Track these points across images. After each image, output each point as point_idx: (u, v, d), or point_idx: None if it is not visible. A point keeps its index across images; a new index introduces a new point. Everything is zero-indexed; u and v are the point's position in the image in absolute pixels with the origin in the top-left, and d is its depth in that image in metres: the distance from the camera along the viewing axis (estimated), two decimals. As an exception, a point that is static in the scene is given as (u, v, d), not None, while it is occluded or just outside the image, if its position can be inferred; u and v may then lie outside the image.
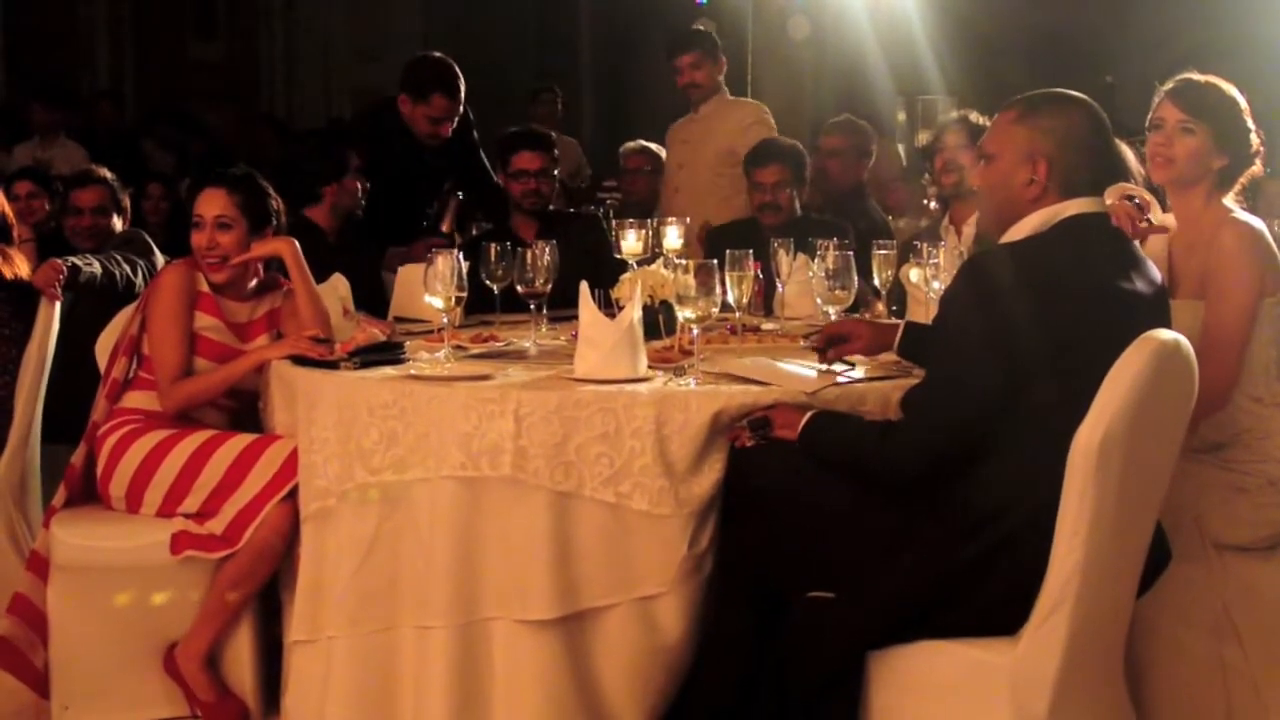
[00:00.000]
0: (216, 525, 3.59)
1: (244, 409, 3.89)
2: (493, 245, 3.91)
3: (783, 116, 9.22)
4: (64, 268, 4.37)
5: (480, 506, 3.11)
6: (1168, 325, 2.76)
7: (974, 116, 4.99)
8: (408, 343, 3.70)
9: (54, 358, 4.33)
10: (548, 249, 3.84)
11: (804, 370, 3.31)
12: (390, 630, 3.21)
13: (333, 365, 3.45)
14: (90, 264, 4.58)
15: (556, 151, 5.16)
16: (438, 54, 5.49)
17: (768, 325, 4.21)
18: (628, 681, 3.14)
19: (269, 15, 13.67)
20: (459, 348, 3.66)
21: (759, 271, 3.79)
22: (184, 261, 3.88)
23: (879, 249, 3.86)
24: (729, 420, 3.08)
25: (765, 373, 3.25)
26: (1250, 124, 3.38)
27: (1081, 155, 2.86)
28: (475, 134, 5.74)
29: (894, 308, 4.27)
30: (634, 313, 3.29)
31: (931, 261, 3.70)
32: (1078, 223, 2.84)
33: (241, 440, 3.66)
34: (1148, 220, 3.49)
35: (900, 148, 9.38)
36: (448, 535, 3.12)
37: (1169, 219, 3.51)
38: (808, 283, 3.96)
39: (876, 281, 3.88)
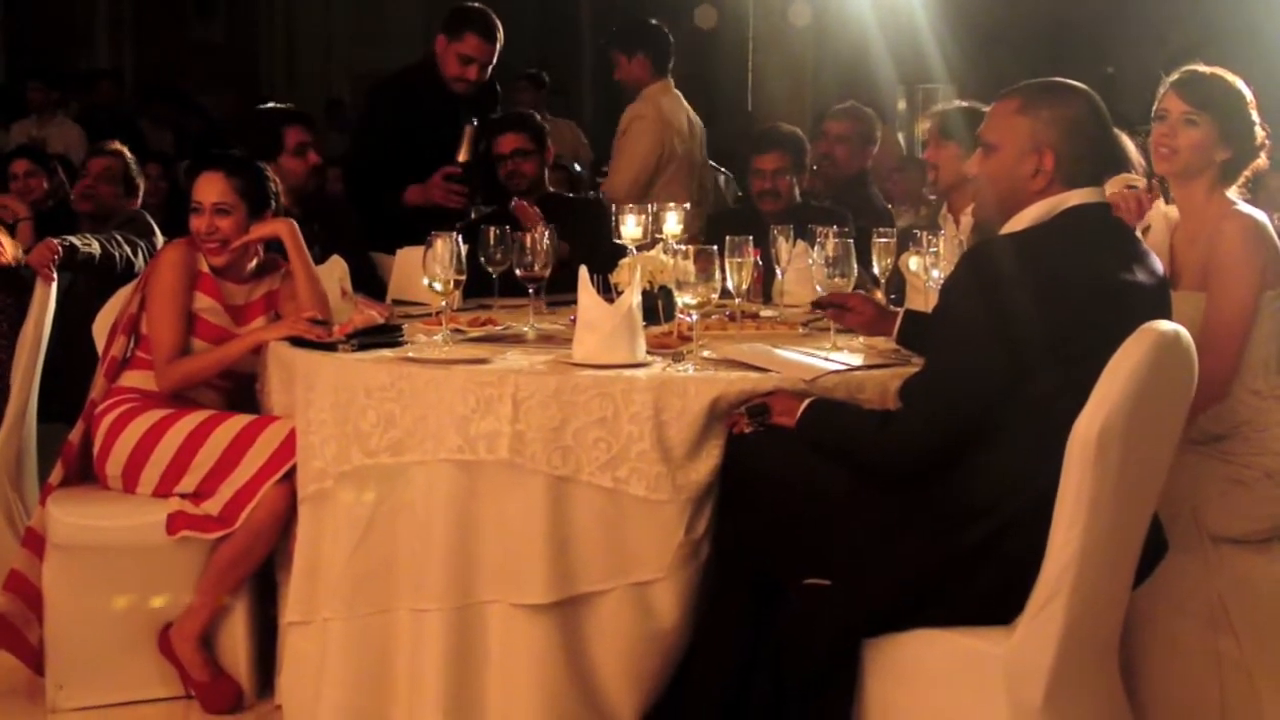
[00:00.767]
0: (213, 506, 3.59)
1: (241, 390, 3.88)
2: (491, 229, 3.90)
3: (784, 103, 9.23)
4: (59, 248, 4.36)
5: (477, 490, 3.11)
6: (1169, 316, 2.76)
7: (965, 104, 4.99)
8: (406, 325, 3.70)
9: (52, 336, 4.33)
10: (547, 233, 3.84)
11: (803, 357, 3.31)
12: (386, 612, 3.21)
13: (330, 347, 3.45)
14: (89, 244, 4.57)
15: (546, 132, 5.13)
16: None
17: (766, 312, 4.21)
18: (623, 666, 3.14)
19: (268, -4, 13.67)
20: (457, 331, 3.66)
21: (758, 258, 3.78)
22: (185, 241, 3.88)
23: (879, 237, 3.85)
24: (727, 406, 3.08)
25: (764, 359, 3.25)
26: (1255, 117, 3.37)
27: (1085, 145, 2.85)
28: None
29: (893, 295, 4.26)
30: (633, 298, 3.28)
31: (931, 250, 3.69)
32: (1079, 213, 2.83)
33: (239, 421, 3.66)
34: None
35: (900, 136, 9.37)
36: (444, 518, 3.12)
37: (1172, 210, 3.51)
38: (807, 270, 3.95)
39: (876, 270, 3.87)
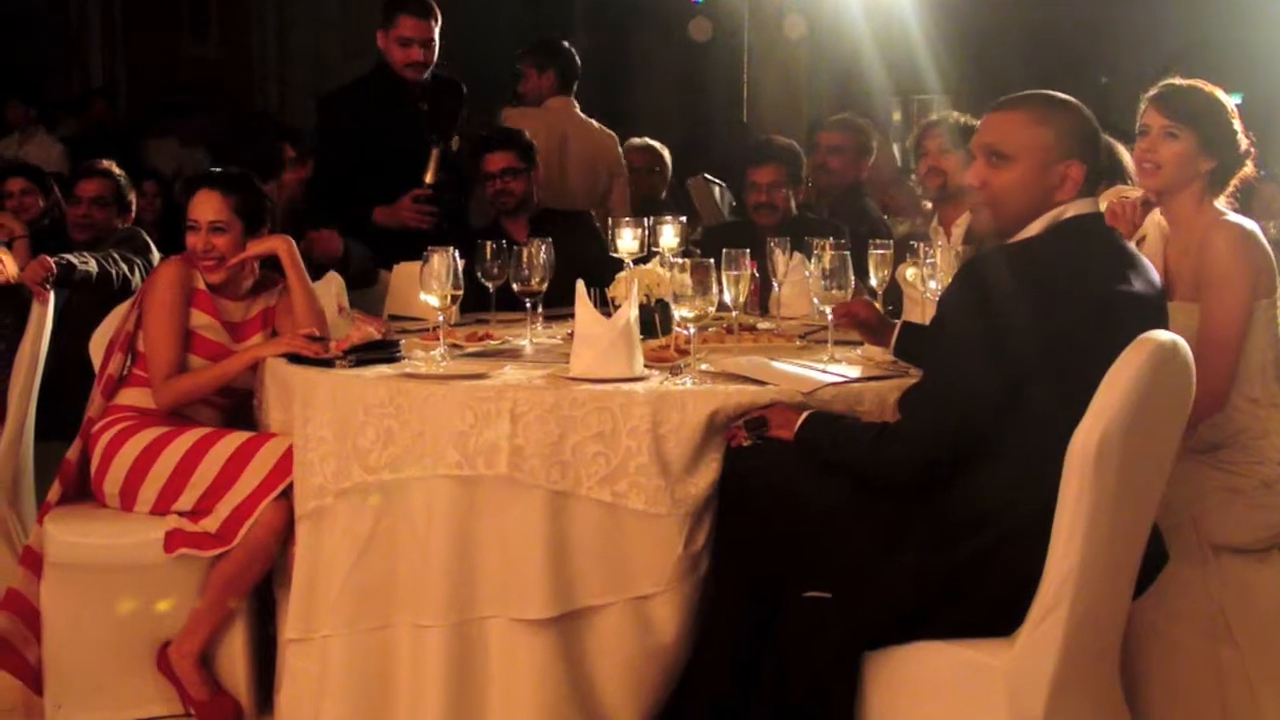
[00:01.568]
0: (210, 523, 3.58)
1: (238, 407, 3.88)
2: (489, 243, 3.90)
3: (779, 115, 9.24)
4: (53, 265, 4.35)
5: (476, 505, 3.11)
6: (1166, 326, 2.76)
7: (955, 116, 5.00)
8: (403, 341, 3.69)
9: (49, 354, 4.32)
10: (544, 247, 3.84)
11: (800, 370, 3.31)
12: (386, 629, 3.21)
13: (328, 363, 3.44)
14: (86, 261, 4.57)
15: (536, 151, 5.11)
16: None
17: (763, 325, 4.21)
18: (623, 681, 3.14)
19: (262, 13, 13.65)
20: (454, 346, 3.66)
21: (755, 271, 3.78)
22: (181, 258, 3.87)
23: (875, 248, 3.85)
24: (725, 420, 3.08)
25: (762, 372, 3.25)
26: (1237, 125, 3.38)
27: (1096, 156, 2.85)
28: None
29: (890, 307, 4.27)
30: (630, 311, 3.28)
31: (928, 261, 3.70)
32: (1076, 225, 2.83)
33: (236, 438, 3.66)
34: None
35: (895, 148, 9.38)
36: (444, 534, 3.11)
37: (1164, 221, 3.51)
38: (804, 282, 3.96)
39: (873, 281, 3.87)
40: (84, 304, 4.64)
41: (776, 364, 3.36)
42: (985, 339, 2.69)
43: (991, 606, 2.72)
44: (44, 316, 4.29)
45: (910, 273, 3.98)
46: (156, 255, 5.05)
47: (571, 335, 3.41)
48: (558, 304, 4.01)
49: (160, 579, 3.64)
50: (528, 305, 3.87)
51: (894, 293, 4.25)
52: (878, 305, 3.66)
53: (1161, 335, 2.62)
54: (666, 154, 6.77)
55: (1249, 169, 3.43)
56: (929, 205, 5.52)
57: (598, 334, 3.24)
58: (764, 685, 2.93)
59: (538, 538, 3.05)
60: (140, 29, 12.08)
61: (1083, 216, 2.84)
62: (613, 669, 3.13)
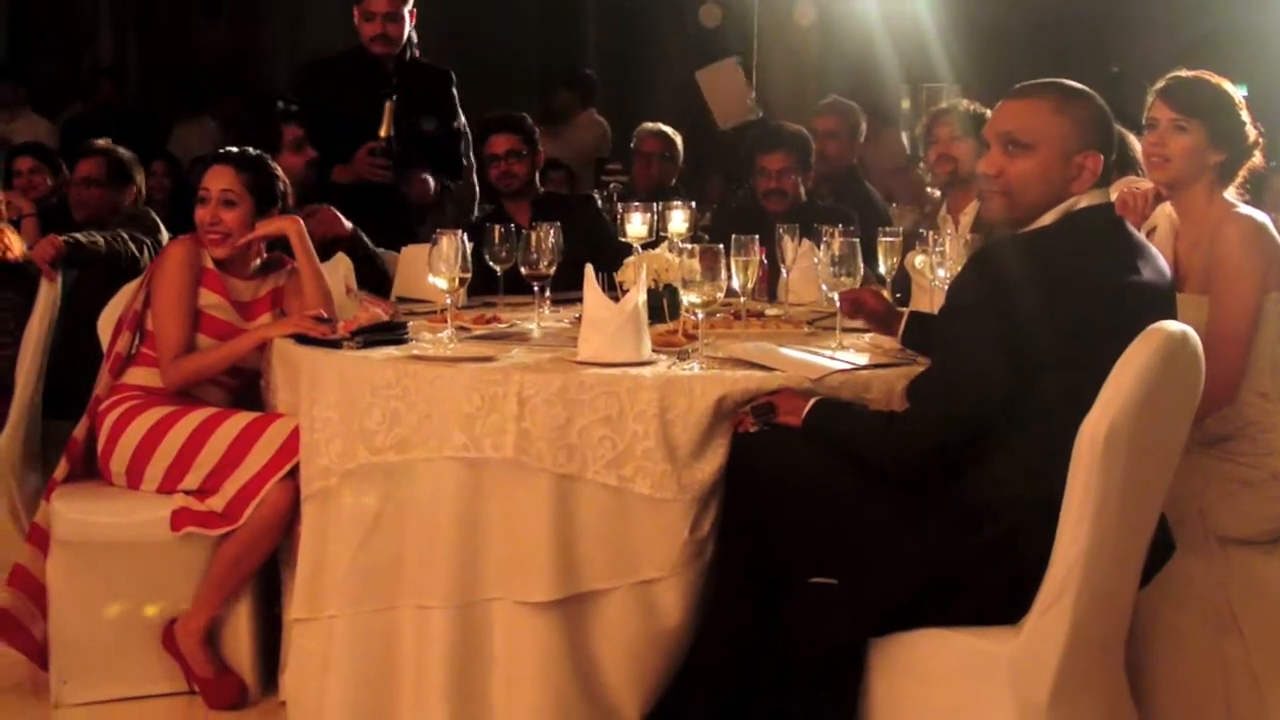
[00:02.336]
0: (217, 502, 3.59)
1: (245, 387, 3.88)
2: (497, 227, 3.91)
3: (789, 101, 9.20)
4: (61, 244, 4.36)
5: (482, 488, 3.11)
6: (1175, 316, 2.75)
7: (964, 104, 4.99)
8: (410, 323, 3.69)
9: (57, 332, 4.32)
10: (552, 231, 3.84)
11: (808, 356, 3.31)
12: (391, 610, 3.21)
13: (335, 344, 3.44)
14: (95, 241, 4.57)
15: (538, 134, 5.13)
16: None
17: (772, 311, 4.20)
18: (627, 665, 3.14)
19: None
20: (462, 329, 3.65)
21: (764, 257, 3.78)
22: (190, 237, 3.88)
23: (884, 236, 3.85)
24: (733, 405, 3.07)
25: (769, 358, 3.25)
26: (1245, 116, 3.37)
27: (1111, 148, 2.84)
28: (461, 118, 5.66)
29: (898, 295, 4.26)
30: (639, 296, 3.28)
31: (937, 249, 3.69)
32: (1087, 215, 2.81)
33: (243, 418, 3.66)
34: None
35: (905, 135, 9.36)
36: (449, 516, 3.12)
37: (1174, 213, 3.50)
38: (812, 269, 3.95)
39: (882, 269, 3.87)
40: (92, 283, 4.64)
41: (784, 350, 3.35)
42: (996, 328, 2.68)
43: (998, 595, 2.71)
44: (52, 295, 4.29)
45: (919, 260, 3.97)
46: (166, 235, 5.05)
47: (579, 319, 3.41)
48: (561, 288, 4.01)
49: (166, 558, 3.65)
50: (535, 289, 3.87)
51: (903, 280, 4.25)
52: (885, 294, 3.66)
53: (1172, 326, 2.61)
54: (679, 140, 6.75)
55: (1258, 159, 3.42)
56: (936, 193, 5.52)
57: (606, 318, 3.24)
58: (768, 671, 2.93)
59: (543, 521, 3.05)
60: (152, 12, 12.04)
61: (1095, 207, 2.83)
62: (616, 653, 3.13)
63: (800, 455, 2.96)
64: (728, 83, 7.56)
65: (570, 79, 9.37)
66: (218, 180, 3.83)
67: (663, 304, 3.72)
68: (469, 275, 3.48)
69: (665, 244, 4.02)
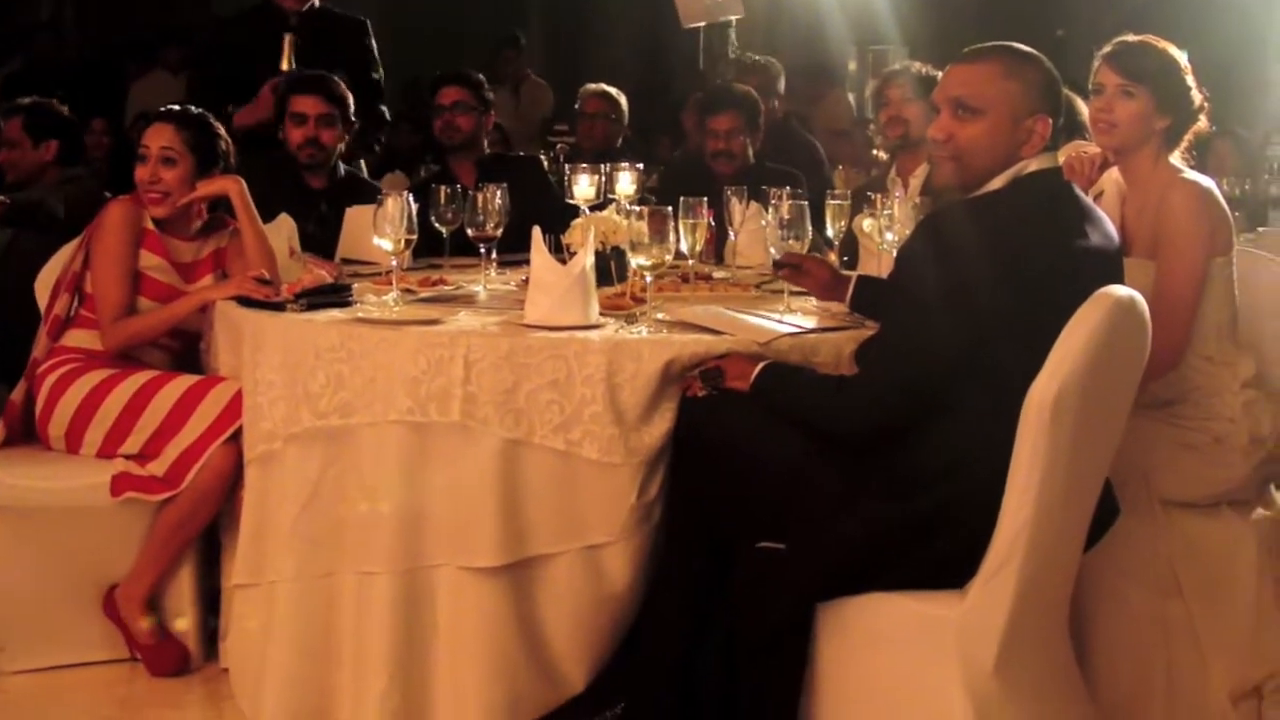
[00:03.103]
0: (158, 467, 3.55)
1: (186, 350, 3.84)
2: (442, 188, 3.86)
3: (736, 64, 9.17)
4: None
5: (428, 452, 3.08)
6: (1123, 280, 2.75)
7: (917, 66, 4.98)
8: (355, 285, 3.65)
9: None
10: (498, 192, 3.80)
11: (757, 320, 3.30)
12: (333, 575, 3.18)
13: (279, 307, 3.40)
14: (30, 196, 4.49)
15: (489, 94, 5.10)
16: None
17: (719, 273, 4.19)
18: (573, 629, 3.13)
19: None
20: (408, 291, 3.62)
21: (711, 220, 3.76)
22: (130, 197, 3.82)
23: (832, 199, 3.84)
24: (680, 369, 3.06)
25: (718, 321, 3.23)
26: (1190, 81, 3.38)
27: (1059, 112, 2.84)
28: (379, 70, 5.56)
29: (845, 258, 4.26)
30: (586, 259, 3.25)
31: (885, 213, 3.68)
32: (1036, 180, 2.81)
33: (185, 381, 3.62)
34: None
35: (851, 97, 9.36)
36: (394, 480, 3.09)
37: (1121, 179, 3.50)
38: (760, 231, 3.94)
39: (829, 232, 3.86)
40: (29, 244, 4.56)
41: (732, 313, 3.34)
42: (945, 293, 2.67)
43: (945, 559, 2.72)
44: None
45: (867, 224, 3.96)
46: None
47: (526, 282, 3.38)
48: (507, 249, 3.98)
49: (106, 523, 3.61)
50: (482, 251, 3.84)
51: (851, 244, 4.24)
52: (833, 256, 3.65)
53: (1119, 290, 2.61)
54: (623, 100, 6.71)
55: (1203, 124, 3.44)
56: (883, 156, 5.51)
57: (553, 281, 3.21)
58: (716, 636, 2.94)
59: (489, 485, 3.03)
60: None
61: (1044, 172, 2.82)
62: (563, 618, 3.12)
63: (748, 420, 2.94)
64: None
65: (513, 41, 9.40)
66: (158, 138, 3.77)
67: (610, 267, 3.69)
68: (415, 237, 3.44)
69: (613, 206, 3.99)
